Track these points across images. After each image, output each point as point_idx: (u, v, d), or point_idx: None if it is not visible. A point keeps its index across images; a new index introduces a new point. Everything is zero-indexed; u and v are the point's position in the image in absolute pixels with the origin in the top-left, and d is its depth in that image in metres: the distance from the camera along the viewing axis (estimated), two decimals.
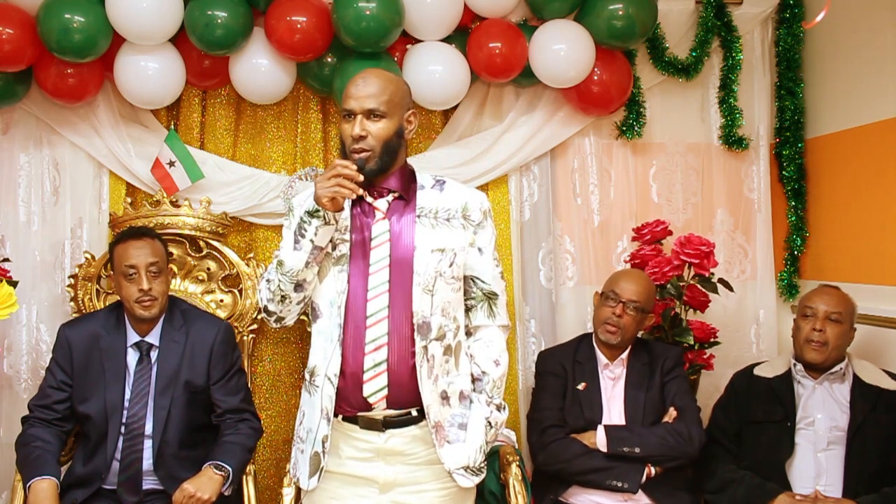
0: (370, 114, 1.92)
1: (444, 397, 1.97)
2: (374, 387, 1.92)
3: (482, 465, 2.01)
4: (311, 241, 1.89)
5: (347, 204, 1.96)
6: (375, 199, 2.00)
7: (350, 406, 1.95)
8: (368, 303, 1.93)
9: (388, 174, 1.99)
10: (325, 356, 1.95)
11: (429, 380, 1.94)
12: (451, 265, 1.98)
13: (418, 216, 1.99)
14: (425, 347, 1.94)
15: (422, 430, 1.97)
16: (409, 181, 2.03)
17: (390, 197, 2.00)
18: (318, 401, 1.96)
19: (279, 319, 2.02)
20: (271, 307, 2.00)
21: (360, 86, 1.94)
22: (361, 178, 1.86)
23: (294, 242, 1.90)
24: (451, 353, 1.99)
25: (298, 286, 1.94)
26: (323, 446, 1.95)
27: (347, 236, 1.97)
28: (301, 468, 2.02)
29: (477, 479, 2.01)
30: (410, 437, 1.97)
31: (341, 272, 1.95)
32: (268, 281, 1.99)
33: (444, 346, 1.97)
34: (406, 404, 1.95)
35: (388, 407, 1.94)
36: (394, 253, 1.95)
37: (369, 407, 1.93)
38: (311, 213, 1.87)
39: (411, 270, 1.94)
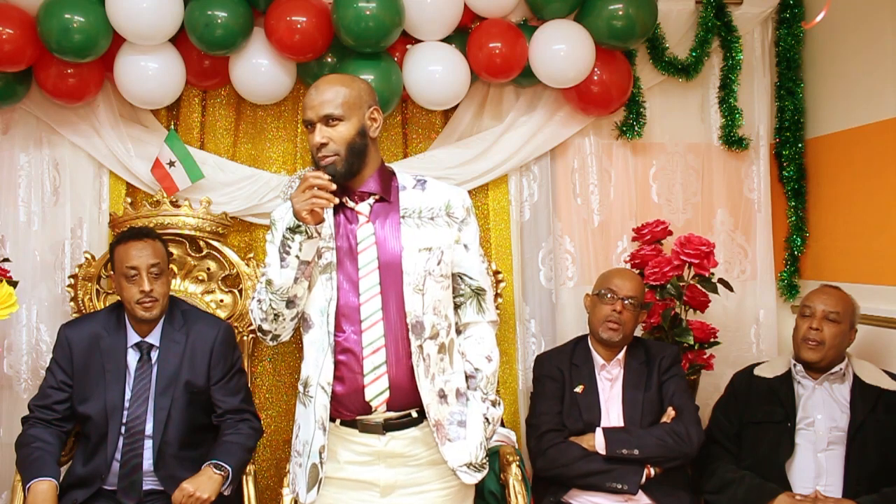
0: (327, 119, 1.92)
1: (442, 395, 1.97)
2: (376, 390, 1.91)
3: (484, 461, 2.01)
4: (297, 256, 1.88)
5: (329, 213, 1.96)
6: (357, 203, 1.99)
7: (349, 411, 1.94)
8: (362, 307, 1.93)
9: (364, 177, 1.99)
10: (317, 365, 1.94)
11: (426, 379, 1.94)
12: (438, 263, 1.98)
13: (403, 217, 1.99)
14: (420, 346, 1.94)
15: (422, 432, 1.97)
16: (388, 182, 2.03)
17: (371, 200, 1.99)
18: (312, 412, 1.95)
19: (275, 337, 2.01)
20: (265, 326, 1.98)
21: (312, 95, 1.95)
22: (334, 186, 1.86)
23: (280, 260, 1.89)
24: (446, 351, 2.00)
25: (290, 303, 1.94)
26: (320, 457, 1.93)
27: (332, 244, 1.96)
28: (300, 482, 1.99)
29: (480, 476, 2.00)
30: (411, 439, 1.96)
31: (329, 280, 1.94)
32: (259, 301, 1.97)
33: (437, 344, 1.97)
34: (406, 406, 1.95)
35: (389, 409, 1.93)
36: (381, 255, 1.95)
37: (369, 410, 1.93)
38: (293, 230, 1.86)
39: (401, 271, 1.94)
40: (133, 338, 2.46)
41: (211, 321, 2.58)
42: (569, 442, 2.56)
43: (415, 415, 1.96)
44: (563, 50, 2.88)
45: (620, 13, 2.90)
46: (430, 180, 2.08)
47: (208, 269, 2.92)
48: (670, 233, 3.04)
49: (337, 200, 1.88)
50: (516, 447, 2.68)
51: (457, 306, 2.08)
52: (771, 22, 3.33)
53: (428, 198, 2.02)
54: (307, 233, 1.87)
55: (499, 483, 2.49)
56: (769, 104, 3.35)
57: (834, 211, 3.16)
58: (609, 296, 2.66)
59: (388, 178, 2.04)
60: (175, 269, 2.86)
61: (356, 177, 1.97)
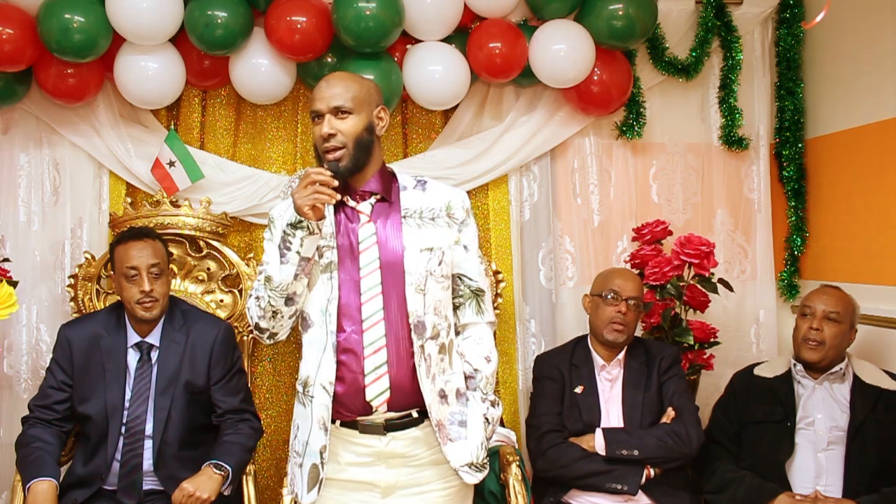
0: (337, 111, 1.92)
1: (442, 396, 1.97)
2: (377, 390, 1.91)
3: (485, 461, 2.01)
4: (298, 252, 1.88)
5: (329, 211, 1.96)
6: (358, 202, 1.99)
7: (349, 411, 1.94)
8: (363, 306, 1.93)
9: (366, 176, 1.99)
10: (317, 365, 1.94)
11: (427, 379, 1.94)
12: (440, 264, 1.98)
13: (404, 217, 1.99)
14: (422, 347, 1.94)
15: (422, 432, 1.97)
16: (389, 182, 2.03)
17: (372, 199, 2.00)
18: (311, 412, 1.95)
19: (272, 335, 2.01)
20: (263, 324, 1.97)
21: (323, 87, 1.95)
22: (336, 182, 1.85)
23: (280, 256, 1.89)
24: (446, 352, 2.00)
25: (289, 300, 1.93)
26: (321, 457, 1.93)
27: (333, 243, 1.96)
28: (298, 483, 1.99)
29: (481, 476, 2.01)
30: (411, 440, 1.96)
31: (330, 279, 1.94)
32: (257, 298, 1.96)
33: (438, 344, 1.97)
34: (407, 406, 1.95)
35: (390, 410, 1.93)
36: (383, 255, 1.95)
37: (370, 411, 1.93)
38: (294, 225, 1.86)
39: (402, 271, 1.94)
40: (133, 338, 2.46)
41: (211, 321, 2.58)
42: (569, 442, 2.56)
43: (415, 415, 1.96)
44: (563, 50, 2.88)
45: (620, 13, 2.90)
46: (430, 181, 2.08)
47: (208, 269, 2.92)
48: (670, 233, 3.03)
49: (339, 197, 1.88)
50: (516, 447, 2.68)
51: (456, 307, 2.09)
52: (771, 22, 3.33)
53: (428, 198, 2.03)
54: (308, 228, 1.86)
55: (499, 483, 2.49)
56: (769, 104, 3.35)
57: (834, 211, 3.16)
58: (612, 297, 2.65)
59: (388, 178, 2.04)
60: (175, 269, 2.86)
61: (359, 173, 1.97)
